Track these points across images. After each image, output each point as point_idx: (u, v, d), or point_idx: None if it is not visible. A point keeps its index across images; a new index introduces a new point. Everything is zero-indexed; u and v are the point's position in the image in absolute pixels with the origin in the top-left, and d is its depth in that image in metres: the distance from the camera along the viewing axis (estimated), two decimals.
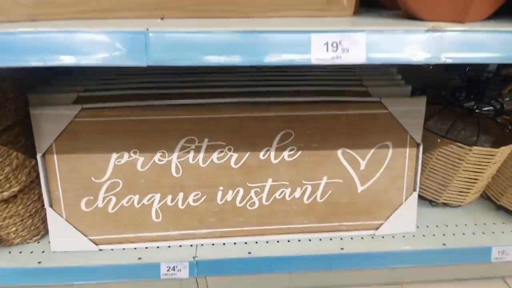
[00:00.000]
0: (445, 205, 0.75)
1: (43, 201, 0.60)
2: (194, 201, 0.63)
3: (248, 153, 0.62)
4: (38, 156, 0.58)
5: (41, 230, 0.66)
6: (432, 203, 0.75)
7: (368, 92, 0.64)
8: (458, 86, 0.79)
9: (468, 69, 0.85)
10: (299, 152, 0.63)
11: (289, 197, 0.64)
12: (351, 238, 0.66)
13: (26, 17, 0.43)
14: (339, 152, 0.63)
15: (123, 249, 0.63)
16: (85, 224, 0.62)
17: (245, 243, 0.65)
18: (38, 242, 0.65)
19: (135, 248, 0.63)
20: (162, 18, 0.45)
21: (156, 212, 0.63)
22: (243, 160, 0.62)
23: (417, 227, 0.68)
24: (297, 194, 0.64)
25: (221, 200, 0.63)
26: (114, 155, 0.60)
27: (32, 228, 0.64)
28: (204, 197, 0.63)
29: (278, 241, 0.65)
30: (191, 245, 0.64)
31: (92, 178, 0.60)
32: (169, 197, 0.62)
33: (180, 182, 0.62)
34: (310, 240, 0.66)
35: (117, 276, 0.61)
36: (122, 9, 0.44)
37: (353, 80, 0.69)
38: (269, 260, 0.62)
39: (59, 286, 0.65)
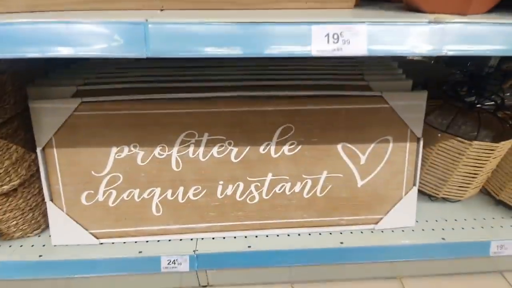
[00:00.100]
0: (444, 200, 0.75)
1: (43, 195, 0.60)
2: (194, 195, 0.63)
3: (248, 147, 0.62)
4: (38, 150, 0.57)
5: (42, 224, 0.66)
6: (431, 197, 0.75)
7: (369, 87, 0.63)
8: (459, 81, 0.79)
9: (469, 64, 0.85)
10: (299, 147, 0.63)
11: (289, 191, 0.64)
12: (351, 233, 0.66)
13: (24, 8, 0.43)
14: (339, 146, 0.63)
15: (124, 242, 0.63)
16: (86, 218, 0.62)
17: (245, 237, 0.65)
18: (39, 236, 0.65)
19: (135, 242, 0.63)
20: (161, 9, 0.45)
21: (157, 206, 0.63)
22: (243, 154, 0.62)
23: (417, 221, 0.68)
24: (297, 188, 0.64)
25: (221, 194, 0.64)
26: (114, 149, 0.60)
27: (32, 222, 0.64)
28: (204, 191, 0.63)
29: (278, 235, 0.65)
30: (192, 239, 0.64)
31: (93, 172, 0.60)
32: (169, 191, 0.63)
33: (180, 176, 0.62)
34: (310, 234, 0.66)
35: (118, 269, 0.61)
36: None
37: (354, 75, 0.68)
38: (269, 254, 0.62)
39: (60, 279, 0.65)
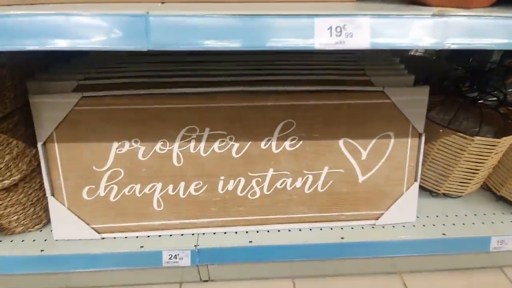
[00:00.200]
0: (445, 195, 0.75)
1: (44, 189, 0.60)
2: (196, 190, 0.63)
3: (250, 142, 0.62)
4: (39, 145, 0.57)
5: (43, 219, 0.66)
6: (432, 193, 0.75)
7: (371, 82, 0.63)
8: (461, 77, 0.79)
9: (471, 60, 0.84)
10: (301, 142, 0.62)
11: (290, 186, 0.64)
12: (352, 228, 0.66)
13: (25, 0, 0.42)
14: (340, 142, 0.63)
15: (125, 237, 0.63)
16: (87, 213, 0.62)
17: (246, 232, 0.65)
18: (40, 231, 0.65)
19: (137, 237, 0.64)
20: (162, 2, 0.44)
21: (158, 201, 0.63)
22: (244, 150, 0.62)
23: (417, 217, 0.68)
24: (298, 184, 0.64)
25: (222, 190, 0.64)
26: (115, 144, 0.60)
27: (34, 217, 0.64)
28: (206, 186, 0.63)
29: (279, 231, 0.66)
30: (193, 234, 0.64)
31: (94, 167, 0.60)
32: (171, 187, 0.63)
33: (181, 171, 0.62)
34: (310, 229, 0.66)
35: (119, 264, 0.62)
36: None
37: (356, 70, 0.68)
38: (270, 249, 0.63)
39: (61, 274, 0.66)
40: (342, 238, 0.64)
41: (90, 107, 0.58)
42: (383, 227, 0.67)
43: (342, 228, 0.66)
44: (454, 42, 0.40)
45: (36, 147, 0.58)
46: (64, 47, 0.37)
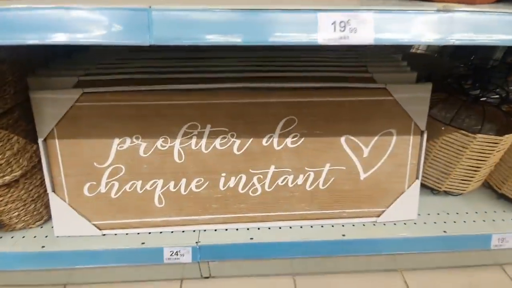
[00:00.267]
0: (446, 193, 0.75)
1: (45, 186, 0.60)
2: (197, 187, 0.63)
3: (251, 139, 0.62)
4: (40, 141, 0.57)
5: (44, 215, 0.66)
6: (433, 191, 0.75)
7: (373, 79, 0.63)
8: (463, 74, 0.78)
9: (473, 57, 0.84)
10: (302, 139, 0.62)
11: (291, 184, 0.64)
12: (353, 225, 0.66)
13: None
14: (342, 139, 0.63)
15: (126, 234, 0.63)
16: (88, 209, 0.62)
17: (248, 229, 0.65)
18: (41, 227, 0.65)
19: (138, 233, 0.64)
20: None
21: (159, 197, 0.63)
22: (245, 147, 0.62)
23: (419, 214, 0.68)
24: (300, 181, 0.64)
25: (223, 187, 0.63)
26: (116, 140, 0.59)
27: (34, 213, 0.64)
28: (207, 183, 0.63)
29: (280, 228, 0.66)
30: (194, 231, 0.64)
31: (95, 163, 0.60)
32: (172, 183, 0.62)
33: (182, 168, 0.62)
34: (312, 226, 0.66)
35: (120, 261, 0.62)
36: None
37: (358, 66, 0.68)
38: (271, 246, 0.63)
39: (62, 270, 0.66)
40: (343, 235, 0.64)
41: (91, 103, 0.57)
42: (384, 224, 0.67)
43: (343, 225, 0.66)
44: (459, 38, 0.40)
45: (37, 143, 0.58)
46: (65, 41, 0.36)
